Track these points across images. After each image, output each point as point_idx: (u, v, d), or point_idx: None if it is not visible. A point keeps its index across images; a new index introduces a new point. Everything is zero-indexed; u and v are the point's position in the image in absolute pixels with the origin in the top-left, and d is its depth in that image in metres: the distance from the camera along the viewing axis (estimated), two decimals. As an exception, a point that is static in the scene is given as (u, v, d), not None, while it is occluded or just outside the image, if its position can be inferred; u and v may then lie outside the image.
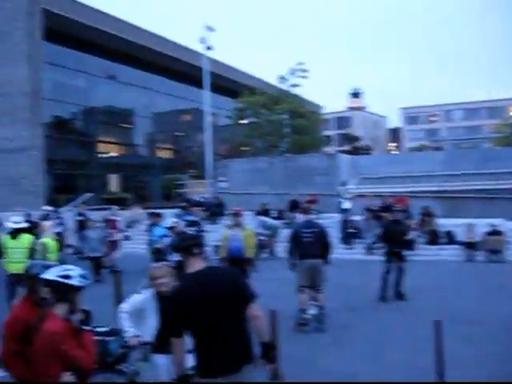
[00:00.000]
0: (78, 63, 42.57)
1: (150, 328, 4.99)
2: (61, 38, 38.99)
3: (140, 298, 5.28)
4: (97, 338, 4.88)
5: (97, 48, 41.88)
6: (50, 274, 3.91)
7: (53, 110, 40.55)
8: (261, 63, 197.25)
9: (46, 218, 17.99)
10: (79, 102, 43.05)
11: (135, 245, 20.07)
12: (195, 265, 4.18)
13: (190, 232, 4.51)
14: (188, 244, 4.22)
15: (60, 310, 3.86)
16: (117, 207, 21.38)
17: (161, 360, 4.91)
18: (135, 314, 5.21)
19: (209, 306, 3.97)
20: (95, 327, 5.04)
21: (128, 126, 49.41)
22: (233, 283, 4.19)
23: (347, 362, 7.80)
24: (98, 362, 4.85)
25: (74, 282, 3.89)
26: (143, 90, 48.51)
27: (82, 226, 19.09)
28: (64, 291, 3.86)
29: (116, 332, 5.23)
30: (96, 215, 19.34)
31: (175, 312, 4.00)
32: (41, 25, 36.15)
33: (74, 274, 3.92)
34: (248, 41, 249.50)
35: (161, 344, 4.78)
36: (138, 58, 44.92)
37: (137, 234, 21.81)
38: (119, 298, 10.20)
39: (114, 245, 16.62)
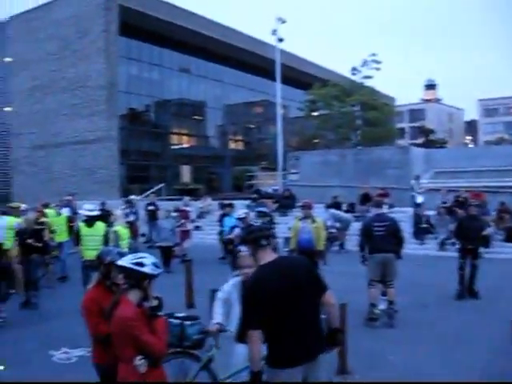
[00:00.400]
0: (152, 57, 43.52)
1: (235, 316, 4.98)
2: (136, 32, 39.88)
3: (228, 286, 5.28)
4: (175, 321, 5.01)
5: (170, 42, 42.58)
6: (125, 261, 3.99)
7: (128, 102, 41.63)
8: (332, 55, 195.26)
9: (127, 205, 18.47)
10: (153, 94, 43.98)
11: (206, 235, 20.30)
12: (265, 256, 4.14)
13: (257, 224, 4.47)
14: (256, 236, 4.20)
15: (133, 296, 3.93)
16: (189, 198, 21.65)
17: (241, 349, 4.87)
18: (225, 302, 5.26)
19: (285, 296, 3.94)
20: (173, 312, 5.16)
21: (200, 117, 50.07)
22: (307, 272, 4.16)
23: (416, 361, 7.47)
24: (174, 345, 4.94)
25: (147, 269, 3.95)
26: (215, 82, 49.07)
27: (153, 215, 19.47)
28: (137, 278, 3.93)
29: (194, 317, 5.27)
30: (168, 205, 19.67)
31: (252, 304, 3.97)
32: (117, 20, 37.10)
33: (148, 262, 3.99)
34: (319, 32, 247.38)
35: (243, 334, 4.78)
36: (210, 51, 45.35)
37: (207, 225, 22.05)
38: (190, 287, 10.31)
39: (185, 235, 16.83)
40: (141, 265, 3.93)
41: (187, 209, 18.64)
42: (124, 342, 3.79)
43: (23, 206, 13.45)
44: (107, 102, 37.36)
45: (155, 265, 4.02)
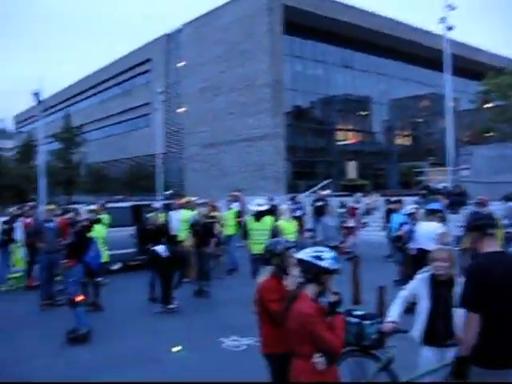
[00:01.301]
0: (315, 53, 43.75)
1: (422, 311, 4.80)
2: (299, 30, 40.34)
3: (414, 282, 5.10)
4: (354, 320, 4.88)
5: (333, 37, 42.51)
6: (304, 254, 3.92)
7: (293, 99, 42.23)
8: (508, 40, 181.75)
9: (293, 201, 18.71)
10: (318, 90, 44.19)
11: (372, 232, 19.88)
12: (489, 245, 4.04)
13: (484, 212, 4.28)
14: (483, 223, 4.11)
15: (310, 290, 3.86)
16: (360, 194, 21.29)
17: (427, 352, 4.70)
18: (410, 299, 5.08)
19: (508, 289, 3.82)
20: (351, 310, 5.04)
21: (365, 113, 49.43)
22: None
23: None
24: (352, 343, 4.81)
25: (326, 264, 3.86)
26: (380, 76, 48.07)
27: (319, 211, 19.46)
28: (315, 272, 3.85)
29: (372, 316, 5.09)
30: (334, 201, 19.54)
31: (473, 286, 3.86)
32: (281, 19, 37.79)
33: (327, 256, 3.90)
34: (491, 15, 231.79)
35: (430, 335, 4.64)
36: (374, 45, 44.56)
37: (374, 221, 21.59)
38: (356, 284, 10.11)
39: (351, 231, 16.59)
40: (320, 258, 3.85)
41: (357, 205, 18.32)
42: (302, 338, 3.73)
43: (196, 200, 14.17)
44: (273, 99, 38.21)
45: (334, 259, 3.91)
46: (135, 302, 10.76)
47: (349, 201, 18.79)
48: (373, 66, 47.08)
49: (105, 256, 11.11)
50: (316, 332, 3.66)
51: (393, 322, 4.91)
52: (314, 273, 3.85)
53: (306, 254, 3.91)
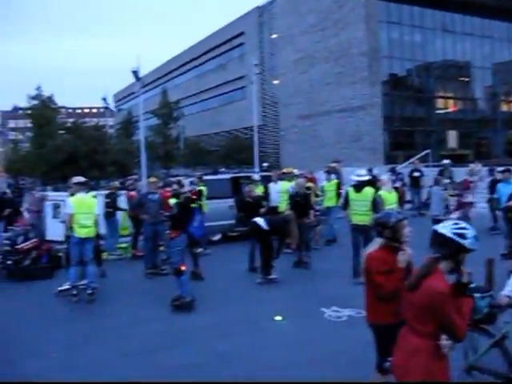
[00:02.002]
0: (413, 18, 42.11)
1: None
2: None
3: None
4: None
5: (431, 0, 40.65)
6: (446, 229, 3.65)
7: (390, 67, 41.06)
8: None
9: (392, 172, 18.33)
10: (415, 57, 42.67)
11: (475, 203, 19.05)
12: None
13: None
14: None
15: (443, 266, 3.63)
16: (475, 164, 20.17)
17: None
18: None
19: None
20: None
21: (466, 79, 47.15)
22: None
23: None
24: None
25: (467, 243, 3.61)
26: (482, 39, 45.61)
27: (417, 182, 18.94)
28: (454, 250, 3.60)
29: (486, 289, 4.86)
30: (434, 172, 18.92)
31: None
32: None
33: (470, 235, 3.64)
34: None
35: None
36: (475, 5, 42.20)
37: (477, 192, 20.67)
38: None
39: (464, 206, 15.79)
40: (463, 236, 3.59)
41: (471, 178, 17.24)
42: (428, 316, 3.52)
43: (295, 171, 14.20)
44: (369, 68, 37.38)
45: (475, 238, 3.63)
46: (236, 272, 10.98)
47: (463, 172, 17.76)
48: (474, 28, 44.77)
49: None
50: (446, 313, 3.45)
51: (509, 297, 4.68)
52: (452, 250, 3.60)
53: (448, 230, 3.64)
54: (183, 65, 69.82)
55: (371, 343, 4.59)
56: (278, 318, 7.61)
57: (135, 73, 27.78)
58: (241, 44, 55.74)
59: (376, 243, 4.53)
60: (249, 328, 7.36)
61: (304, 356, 6.21)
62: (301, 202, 11.39)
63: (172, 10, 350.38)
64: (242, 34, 55.03)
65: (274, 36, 48.04)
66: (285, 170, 14.24)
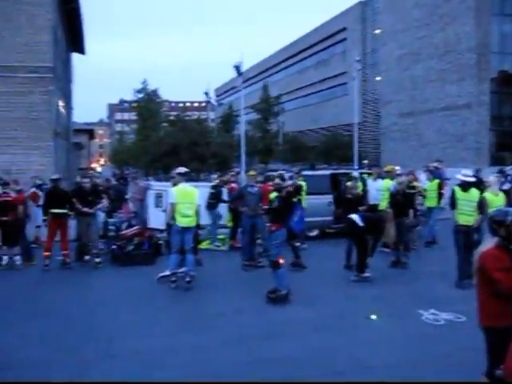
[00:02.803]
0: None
1: None
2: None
3: None
4: None
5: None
6: None
7: (500, 63, 38.90)
8: None
9: (501, 174, 17.51)
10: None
11: None
12: None
13: None
14: None
15: None
16: None
17: None
18: None
19: None
20: None
21: None
22: None
23: None
24: None
25: None
26: None
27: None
28: None
29: None
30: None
31: None
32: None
33: None
34: None
35: None
36: None
37: None
38: None
39: None
40: None
41: None
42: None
43: (397, 170, 13.91)
44: (477, 65, 35.88)
45: None
46: (331, 269, 10.92)
47: None
48: None
49: None
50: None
51: None
52: None
53: None
54: (284, 60, 70.15)
55: (474, 349, 4.46)
56: (374, 316, 7.51)
57: (237, 68, 28.26)
58: (343, 40, 55.24)
59: (489, 242, 4.42)
60: (343, 325, 7.32)
61: (401, 357, 6.08)
62: (401, 200, 11.18)
63: (273, 8, 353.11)
64: (344, 29, 54.49)
65: (377, 31, 47.18)
66: (387, 168, 13.97)
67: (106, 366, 5.94)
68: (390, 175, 13.19)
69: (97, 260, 11.58)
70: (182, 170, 10.21)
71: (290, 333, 6.98)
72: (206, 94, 45.29)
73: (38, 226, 13.68)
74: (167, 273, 9.70)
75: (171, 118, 47.63)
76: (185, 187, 9.76)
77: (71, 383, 5.47)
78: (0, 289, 9.77)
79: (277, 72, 72.92)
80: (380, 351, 6.27)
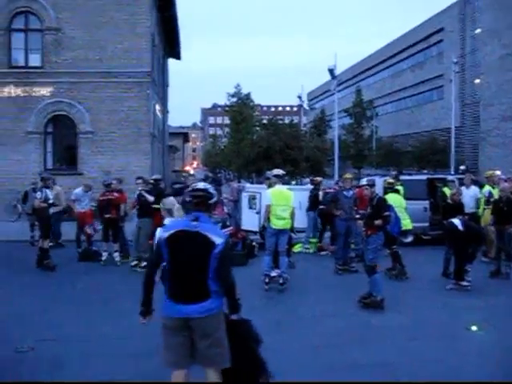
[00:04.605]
0: None
1: None
2: None
3: None
4: None
5: None
6: None
7: None
8: None
9: None
10: None
11: None
12: None
13: None
14: None
15: None
16: None
17: None
18: None
19: None
20: None
21: None
22: None
23: None
24: None
25: None
26: None
27: None
28: None
29: None
30: None
31: None
32: None
33: None
34: None
35: None
36: None
37: None
38: None
39: None
40: None
41: None
42: None
43: (498, 175, 13.36)
44: None
45: None
46: (427, 276, 10.65)
47: None
48: None
49: (407, 224, 11.32)
50: None
51: None
52: None
53: None
54: (378, 64, 69.03)
55: None
56: (474, 327, 7.22)
57: (331, 71, 28.18)
58: (439, 41, 53.60)
59: None
60: (441, 334, 7.08)
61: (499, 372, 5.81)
62: (504, 208, 10.71)
63: (369, 9, 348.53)
64: (441, 30, 52.84)
65: (478, 31, 45.34)
66: (486, 174, 13.43)
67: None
68: (491, 181, 12.68)
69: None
70: (279, 172, 10.26)
71: (386, 339, 6.86)
72: (300, 97, 45.45)
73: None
74: (267, 273, 9.71)
75: (264, 121, 48.13)
76: (281, 189, 9.81)
77: (73, 383, 5.48)
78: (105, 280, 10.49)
79: (371, 75, 71.86)
80: (481, 363, 6.01)
